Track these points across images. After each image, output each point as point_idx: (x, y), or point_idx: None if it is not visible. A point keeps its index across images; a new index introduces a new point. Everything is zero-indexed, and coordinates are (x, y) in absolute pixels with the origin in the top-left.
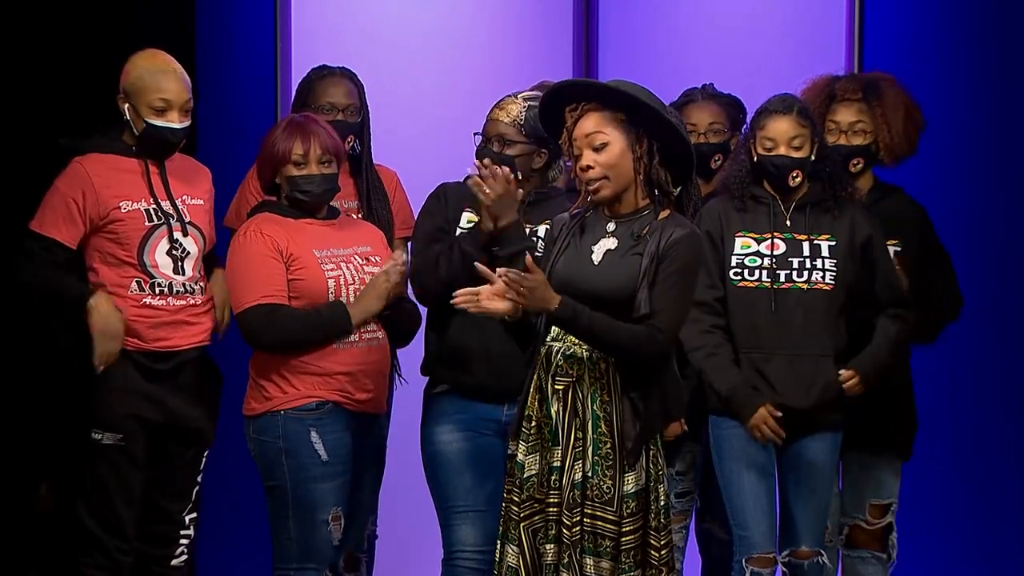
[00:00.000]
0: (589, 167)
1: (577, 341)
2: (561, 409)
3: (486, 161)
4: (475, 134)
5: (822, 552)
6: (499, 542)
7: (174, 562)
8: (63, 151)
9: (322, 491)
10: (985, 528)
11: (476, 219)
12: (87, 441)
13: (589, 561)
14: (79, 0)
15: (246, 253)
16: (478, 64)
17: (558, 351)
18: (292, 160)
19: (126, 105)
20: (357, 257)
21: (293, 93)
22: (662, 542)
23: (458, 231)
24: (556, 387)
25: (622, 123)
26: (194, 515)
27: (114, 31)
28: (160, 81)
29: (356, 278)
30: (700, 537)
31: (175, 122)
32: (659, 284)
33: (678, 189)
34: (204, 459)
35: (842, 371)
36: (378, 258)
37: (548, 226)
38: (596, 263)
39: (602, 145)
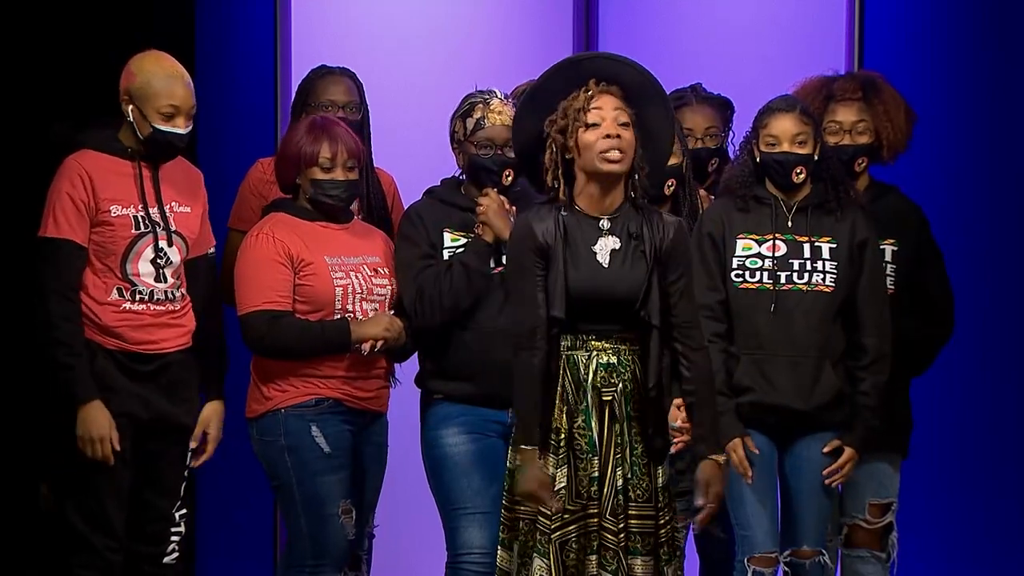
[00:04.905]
0: (619, 136)
1: (604, 348)
2: (600, 418)
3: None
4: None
5: (823, 552)
6: (523, 553)
7: (166, 560)
8: (56, 138)
9: (328, 484)
10: (985, 528)
11: (459, 237)
12: (75, 442)
13: (639, 562)
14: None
15: (255, 256)
16: (478, 64)
17: (587, 360)
18: (319, 164)
19: (130, 107)
20: (366, 267)
21: (293, 93)
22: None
23: (446, 254)
24: (605, 399)
25: (632, 118)
26: (184, 511)
27: (114, 31)
28: (170, 86)
29: (364, 287)
30: (697, 536)
31: (181, 128)
32: (675, 294)
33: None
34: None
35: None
36: (386, 270)
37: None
38: (606, 265)
39: (625, 124)
